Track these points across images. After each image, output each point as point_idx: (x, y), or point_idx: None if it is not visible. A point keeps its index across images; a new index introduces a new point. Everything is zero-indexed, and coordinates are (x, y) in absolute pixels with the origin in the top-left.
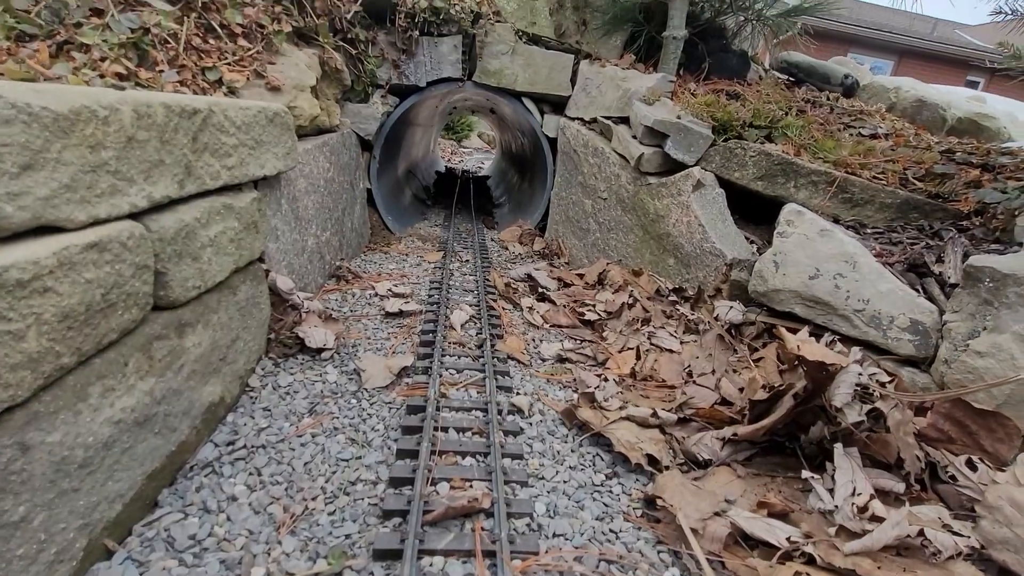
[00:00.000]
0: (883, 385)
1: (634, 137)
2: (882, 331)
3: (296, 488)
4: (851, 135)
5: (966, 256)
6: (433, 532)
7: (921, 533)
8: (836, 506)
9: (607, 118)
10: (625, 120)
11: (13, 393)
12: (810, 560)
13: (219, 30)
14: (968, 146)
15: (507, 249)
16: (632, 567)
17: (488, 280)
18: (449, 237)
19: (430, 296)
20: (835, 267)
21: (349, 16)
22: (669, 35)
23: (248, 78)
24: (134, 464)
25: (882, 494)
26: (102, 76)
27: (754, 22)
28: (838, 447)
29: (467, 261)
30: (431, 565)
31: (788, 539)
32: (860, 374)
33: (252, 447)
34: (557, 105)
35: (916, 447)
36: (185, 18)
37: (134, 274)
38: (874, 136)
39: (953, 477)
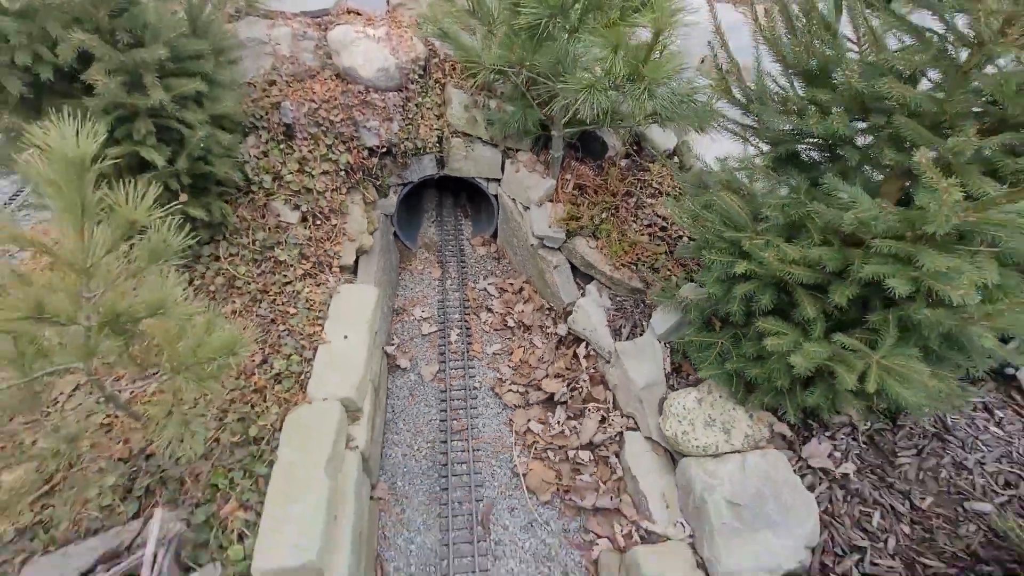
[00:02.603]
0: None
1: (531, 229)
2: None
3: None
4: (637, 226)
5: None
6: None
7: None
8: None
9: (522, 204)
10: (529, 208)
11: None
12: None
13: (319, 218)
14: None
15: (476, 251)
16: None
17: (465, 298)
18: (441, 242)
19: (439, 315)
20: (594, 323)
21: (374, 167)
22: (553, 155)
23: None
24: None
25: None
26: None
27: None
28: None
29: (455, 278)
30: None
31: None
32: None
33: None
34: (495, 179)
35: None
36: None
37: None
38: (649, 226)
39: None
